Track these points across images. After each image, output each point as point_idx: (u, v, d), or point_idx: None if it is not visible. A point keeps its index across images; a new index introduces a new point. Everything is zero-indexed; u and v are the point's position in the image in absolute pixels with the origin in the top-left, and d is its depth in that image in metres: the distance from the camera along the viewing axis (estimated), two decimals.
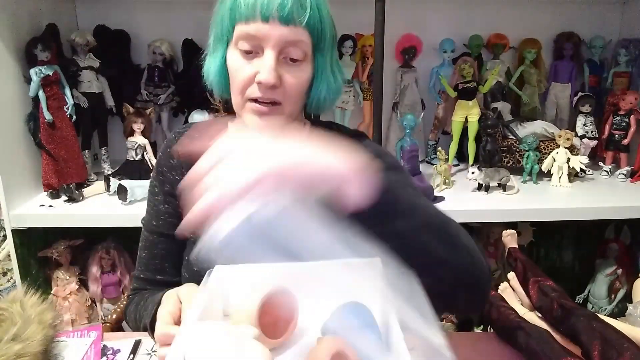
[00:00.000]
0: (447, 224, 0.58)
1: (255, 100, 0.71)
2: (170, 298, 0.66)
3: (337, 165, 0.46)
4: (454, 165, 1.77)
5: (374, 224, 0.49)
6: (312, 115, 0.88)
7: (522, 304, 1.14)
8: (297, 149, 0.46)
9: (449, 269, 0.56)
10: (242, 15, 0.67)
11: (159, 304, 0.67)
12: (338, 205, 0.47)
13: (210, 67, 0.77)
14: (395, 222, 0.53)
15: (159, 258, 0.84)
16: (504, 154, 1.66)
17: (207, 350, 0.45)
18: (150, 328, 0.71)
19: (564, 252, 1.95)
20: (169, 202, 0.84)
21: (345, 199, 0.47)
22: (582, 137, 1.70)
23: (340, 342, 0.47)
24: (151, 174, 0.89)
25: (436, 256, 0.55)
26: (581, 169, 1.57)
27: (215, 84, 0.77)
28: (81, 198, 1.46)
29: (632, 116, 1.66)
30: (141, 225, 0.88)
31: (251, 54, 0.69)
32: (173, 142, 0.85)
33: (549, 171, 1.60)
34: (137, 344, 0.78)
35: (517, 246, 1.33)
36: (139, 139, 1.55)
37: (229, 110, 1.63)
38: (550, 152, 1.60)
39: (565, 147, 1.57)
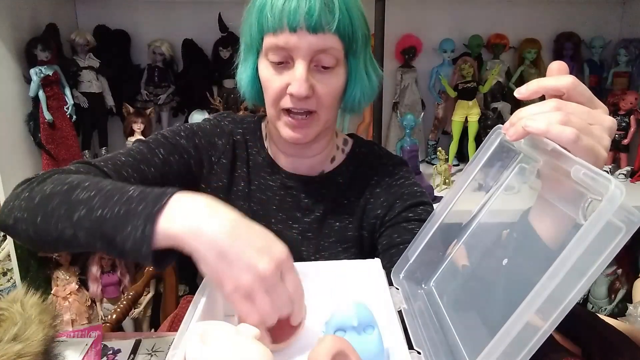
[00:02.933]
0: None
1: (288, 111, 0.70)
2: None
3: None
4: (454, 165, 1.77)
5: None
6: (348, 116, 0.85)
7: None
8: None
9: None
10: (269, 26, 0.66)
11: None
12: None
13: (242, 77, 0.76)
14: None
15: (139, 176, 0.71)
16: None
17: (207, 350, 0.45)
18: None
19: None
20: (188, 158, 0.78)
21: None
22: None
23: (341, 341, 0.47)
24: (183, 124, 0.83)
25: None
26: None
27: (248, 94, 0.77)
28: None
29: (632, 116, 1.66)
30: (157, 166, 0.74)
31: (282, 64, 0.68)
32: (226, 127, 0.82)
33: None
34: (137, 344, 0.78)
35: None
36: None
37: (229, 109, 1.64)
38: None
39: None
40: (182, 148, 0.78)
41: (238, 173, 0.82)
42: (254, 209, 0.81)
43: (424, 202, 0.79)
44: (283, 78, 0.68)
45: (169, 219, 0.49)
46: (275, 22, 0.65)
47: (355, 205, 0.81)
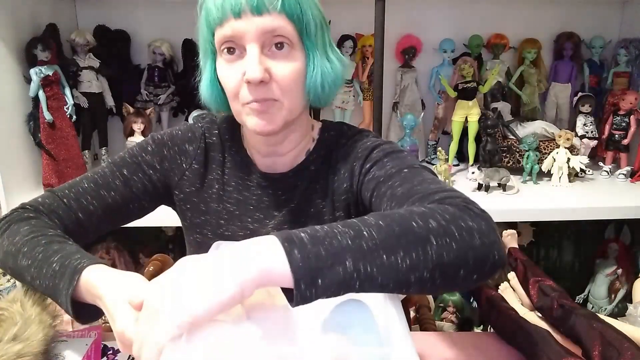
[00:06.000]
0: (408, 229, 0.52)
1: (251, 102, 0.69)
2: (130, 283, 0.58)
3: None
4: (454, 165, 1.77)
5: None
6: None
7: (522, 304, 1.14)
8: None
9: (431, 267, 0.51)
10: (215, 19, 0.66)
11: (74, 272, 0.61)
12: None
13: (202, 86, 0.75)
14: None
15: (99, 202, 0.76)
16: (504, 154, 1.66)
17: (207, 348, 0.45)
18: (71, 305, 0.61)
19: (564, 252, 1.96)
20: (154, 173, 0.80)
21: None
22: (582, 137, 1.71)
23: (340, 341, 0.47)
24: (154, 135, 0.83)
25: (409, 265, 0.50)
26: (581, 169, 1.57)
27: (210, 101, 0.76)
28: None
29: (632, 116, 1.66)
30: (118, 189, 0.78)
31: (235, 54, 0.67)
32: (198, 130, 0.82)
33: (549, 171, 1.60)
34: None
35: (517, 246, 1.33)
36: (138, 139, 1.55)
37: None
38: (550, 152, 1.60)
39: (565, 147, 1.57)
40: (145, 164, 0.80)
41: (213, 175, 0.81)
42: (230, 210, 0.81)
43: (377, 145, 0.77)
44: (238, 69, 0.67)
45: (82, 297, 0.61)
46: (220, 12, 0.65)
47: (325, 188, 0.80)
